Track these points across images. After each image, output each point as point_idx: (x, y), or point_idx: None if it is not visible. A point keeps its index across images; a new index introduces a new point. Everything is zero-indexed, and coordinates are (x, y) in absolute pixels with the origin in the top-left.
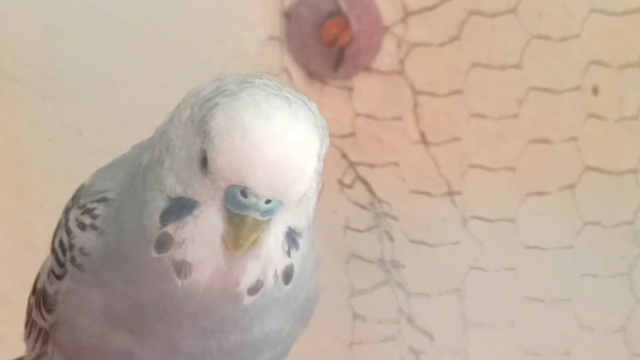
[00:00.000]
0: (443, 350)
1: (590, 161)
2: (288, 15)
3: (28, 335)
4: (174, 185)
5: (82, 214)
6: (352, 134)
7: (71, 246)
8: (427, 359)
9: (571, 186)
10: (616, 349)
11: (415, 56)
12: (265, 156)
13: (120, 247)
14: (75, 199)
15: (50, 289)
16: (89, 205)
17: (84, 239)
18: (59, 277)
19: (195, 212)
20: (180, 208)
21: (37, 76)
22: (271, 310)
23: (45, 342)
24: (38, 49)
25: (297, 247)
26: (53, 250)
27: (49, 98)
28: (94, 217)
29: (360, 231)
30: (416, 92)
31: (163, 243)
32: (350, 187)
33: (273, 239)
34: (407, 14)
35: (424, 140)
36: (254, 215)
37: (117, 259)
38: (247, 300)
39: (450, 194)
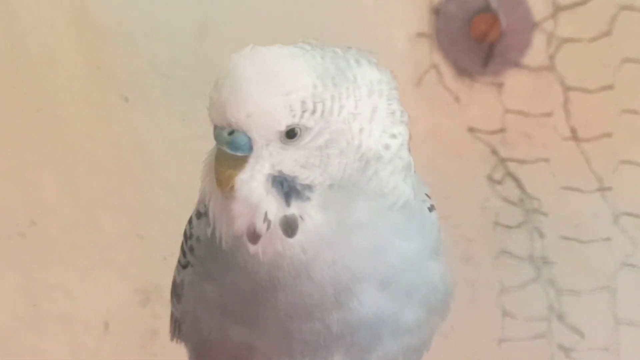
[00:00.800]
0: (593, 348)
1: None
2: (437, 12)
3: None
4: None
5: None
6: (502, 130)
7: (190, 235)
8: (577, 357)
9: None
10: None
11: (566, 52)
12: (227, 87)
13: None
14: None
15: (177, 278)
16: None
17: (200, 229)
18: (184, 267)
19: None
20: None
21: (187, 74)
22: (354, 285)
23: (180, 330)
24: (189, 47)
25: (301, 198)
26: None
27: (199, 96)
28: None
29: (510, 227)
30: (566, 88)
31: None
32: (500, 183)
33: (254, 180)
34: (557, 9)
35: (574, 136)
36: (225, 148)
37: (219, 251)
38: (253, 249)
39: (601, 190)
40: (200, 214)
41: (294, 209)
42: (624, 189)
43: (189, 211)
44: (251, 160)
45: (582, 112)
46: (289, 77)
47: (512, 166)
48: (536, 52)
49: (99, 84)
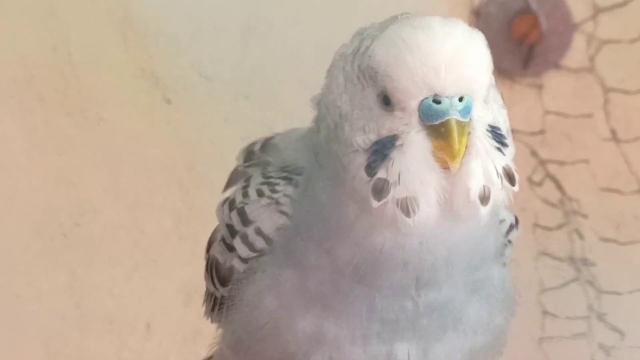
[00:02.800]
0: (634, 347)
1: None
2: (477, 14)
3: (208, 307)
4: (364, 139)
5: (262, 193)
6: (542, 132)
7: (249, 222)
8: (618, 356)
9: None
10: None
11: (606, 53)
12: (440, 54)
13: (313, 222)
14: (256, 163)
15: (221, 259)
16: (274, 180)
17: (266, 219)
18: (230, 249)
19: (397, 143)
20: (381, 149)
21: (229, 75)
22: (447, 268)
23: (219, 311)
24: (231, 48)
25: (506, 145)
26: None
27: (241, 97)
28: (275, 191)
29: (549, 229)
30: (607, 89)
31: (380, 188)
32: (539, 184)
33: (481, 138)
34: (597, 10)
35: (614, 137)
36: (455, 117)
37: (312, 233)
38: (483, 211)
39: None
40: (267, 204)
41: (507, 157)
42: None
43: None
44: (473, 121)
45: (622, 113)
46: (481, 39)
47: (552, 168)
48: (576, 53)
49: (142, 86)
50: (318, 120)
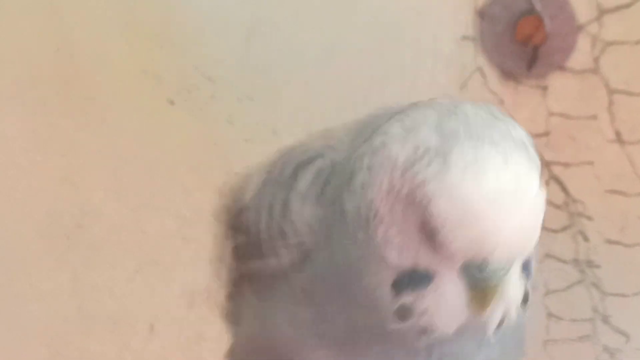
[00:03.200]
0: (639, 349)
1: None
2: (482, 15)
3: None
4: (399, 259)
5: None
6: (546, 133)
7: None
8: (623, 358)
9: None
10: None
11: (611, 54)
12: (502, 231)
13: (331, 276)
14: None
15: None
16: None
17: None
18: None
19: (433, 281)
20: (416, 280)
21: (234, 77)
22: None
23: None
24: (234, 49)
25: (530, 274)
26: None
27: (245, 98)
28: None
29: (554, 231)
30: (611, 91)
31: (404, 315)
32: (544, 186)
33: (512, 282)
34: (602, 12)
35: (619, 139)
36: (496, 282)
37: (330, 287)
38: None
39: None
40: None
41: (528, 284)
42: None
43: None
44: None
45: (627, 114)
46: (539, 188)
47: (557, 169)
48: (581, 54)
49: (145, 87)
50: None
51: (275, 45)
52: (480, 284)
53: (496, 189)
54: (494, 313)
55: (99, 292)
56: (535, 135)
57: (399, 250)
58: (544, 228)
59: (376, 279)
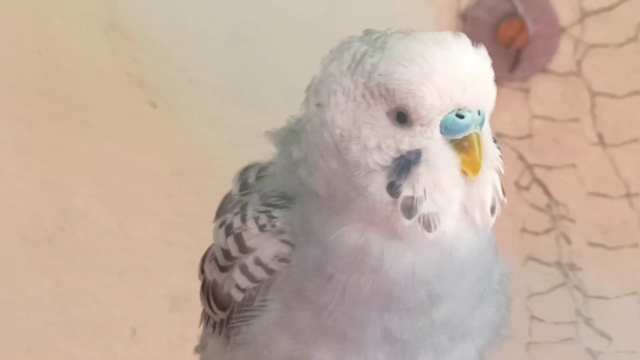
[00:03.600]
0: (622, 351)
1: None
2: (464, 18)
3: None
4: (382, 157)
5: (267, 214)
6: (529, 136)
7: (248, 249)
8: None
9: None
10: None
11: (593, 57)
12: (464, 71)
13: (318, 255)
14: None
15: (220, 281)
16: (272, 210)
17: (266, 248)
18: (222, 270)
19: (422, 158)
20: (406, 165)
21: (216, 80)
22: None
23: (222, 332)
24: (217, 52)
25: (502, 159)
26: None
27: (228, 102)
28: (272, 217)
29: (537, 234)
30: (594, 94)
31: (409, 207)
32: (527, 189)
33: (491, 149)
34: (584, 14)
35: (602, 142)
36: (476, 130)
37: (319, 266)
38: (492, 221)
39: (629, 196)
40: (268, 230)
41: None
42: None
43: None
44: (484, 135)
45: (609, 117)
46: (486, 53)
47: (539, 172)
48: (563, 57)
49: (127, 91)
50: (303, 146)
51: (258, 49)
52: (464, 142)
53: (439, 40)
54: (486, 180)
55: (81, 296)
56: (518, 138)
57: (379, 149)
58: (527, 231)
59: (370, 194)
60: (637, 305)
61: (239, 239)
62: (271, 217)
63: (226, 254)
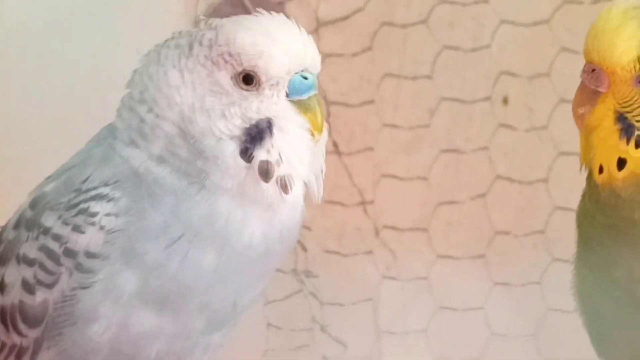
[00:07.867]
0: (357, 357)
1: (501, 171)
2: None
3: None
4: (227, 125)
5: (74, 216)
6: None
7: (69, 251)
8: None
9: (482, 195)
10: (528, 355)
11: (328, 66)
12: (301, 36)
13: (154, 227)
14: (44, 206)
15: (30, 301)
16: (82, 206)
17: (86, 241)
18: (49, 286)
19: (275, 126)
20: (258, 134)
21: None
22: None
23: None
24: None
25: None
26: (31, 261)
27: None
28: (92, 215)
29: None
30: (329, 102)
31: (266, 170)
32: None
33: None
34: (319, 24)
35: (336, 150)
36: (315, 92)
37: (154, 235)
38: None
39: (363, 203)
40: (81, 226)
41: None
42: (385, 203)
43: None
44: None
45: (344, 126)
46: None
47: None
48: None
49: None
50: (141, 131)
51: None
52: (308, 103)
53: (262, 14)
54: (324, 136)
55: None
56: None
57: (224, 117)
58: None
59: (223, 160)
60: (372, 311)
61: (68, 252)
62: (91, 214)
63: (49, 271)
